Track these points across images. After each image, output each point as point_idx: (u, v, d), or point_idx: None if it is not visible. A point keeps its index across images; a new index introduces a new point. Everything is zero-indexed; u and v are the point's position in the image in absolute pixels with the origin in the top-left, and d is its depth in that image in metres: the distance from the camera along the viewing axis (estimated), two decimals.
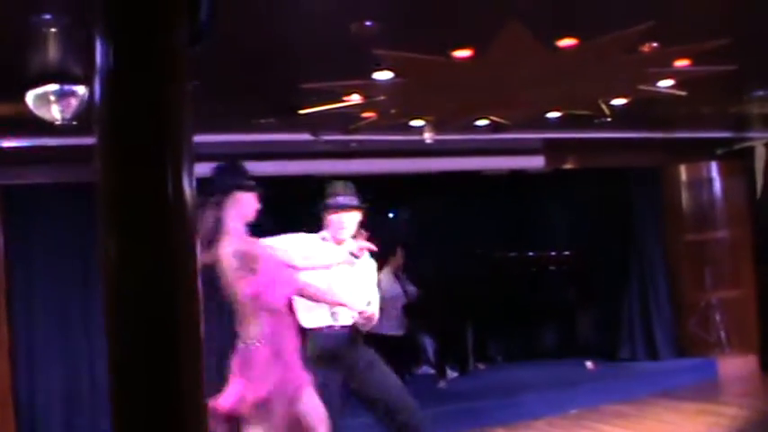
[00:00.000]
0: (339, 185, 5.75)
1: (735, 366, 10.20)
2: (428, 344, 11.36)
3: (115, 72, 1.99)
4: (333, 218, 5.63)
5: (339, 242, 5.66)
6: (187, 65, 2.10)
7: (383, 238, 11.60)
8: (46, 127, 4.98)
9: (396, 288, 11.05)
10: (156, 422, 1.96)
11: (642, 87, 6.72)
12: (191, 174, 2.03)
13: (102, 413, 7.99)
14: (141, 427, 1.96)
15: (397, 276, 10.93)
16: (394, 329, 11.14)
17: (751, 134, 10.28)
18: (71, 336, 8.15)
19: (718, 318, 10.51)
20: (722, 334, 10.50)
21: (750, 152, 10.61)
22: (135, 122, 1.98)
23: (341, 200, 5.65)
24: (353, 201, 5.69)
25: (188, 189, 2.00)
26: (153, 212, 1.95)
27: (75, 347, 8.17)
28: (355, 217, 5.68)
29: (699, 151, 10.67)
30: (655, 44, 5.45)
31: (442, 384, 10.16)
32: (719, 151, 10.72)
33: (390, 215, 13.42)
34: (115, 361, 1.99)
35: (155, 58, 2.01)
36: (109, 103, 2.04)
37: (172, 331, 1.93)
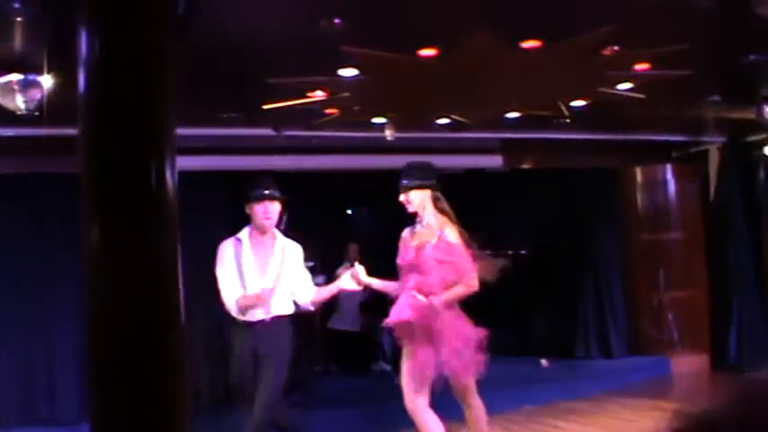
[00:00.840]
0: (262, 178, 6.24)
1: (687, 364, 10.38)
2: (385, 341, 11.40)
3: (101, 64, 2.00)
4: (257, 208, 6.06)
5: (264, 232, 6.12)
6: (172, 58, 2.13)
7: (339, 234, 11.65)
8: (6, 117, 4.95)
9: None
10: (137, 414, 1.97)
11: (602, 90, 6.83)
12: (173, 165, 2.05)
13: (60, 402, 7.95)
14: (123, 419, 1.96)
15: None
16: (350, 326, 11.18)
17: (705, 138, 10.47)
18: (27, 326, 8.06)
19: (670, 317, 10.69)
20: (675, 333, 10.67)
21: (704, 156, 10.81)
22: (120, 114, 1.99)
23: (265, 191, 6.08)
24: (275, 192, 6.14)
25: (170, 180, 2.02)
26: (136, 203, 1.96)
27: (32, 337, 8.08)
28: (277, 207, 6.13)
29: (654, 154, 10.84)
30: (616, 48, 5.54)
31: (398, 381, 10.19)
32: (675, 154, 10.91)
33: (349, 212, 13.45)
34: (95, 348, 1.99)
35: (141, 51, 2.02)
36: (93, 95, 2.05)
37: (153, 318, 1.95)
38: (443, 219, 5.95)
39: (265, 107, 6.76)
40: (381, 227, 12.25)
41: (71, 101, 2.34)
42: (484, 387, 7.46)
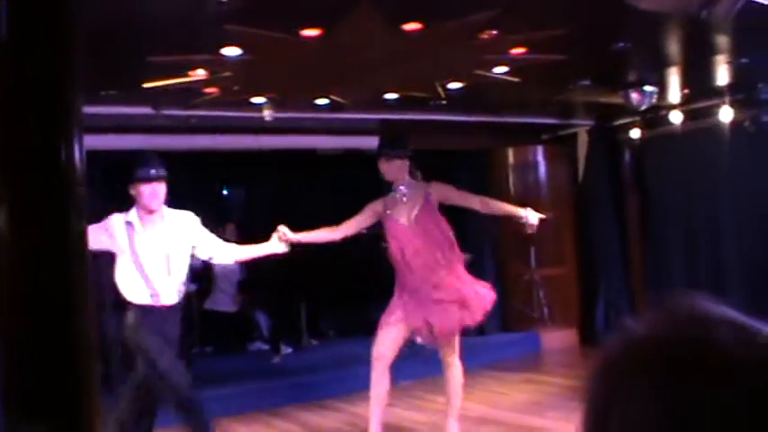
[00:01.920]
0: (148, 158, 5.94)
1: (556, 339, 10.77)
2: (262, 320, 11.42)
3: (10, 36, 1.96)
4: (145, 188, 5.73)
5: (152, 212, 5.80)
6: (81, 30, 2.11)
7: (215, 215, 11.58)
8: None
9: (230, 264, 11.03)
10: (48, 392, 1.97)
11: (478, 72, 6.99)
12: (81, 143, 2.04)
13: None
14: (30, 388, 1.96)
15: None
16: (228, 306, 11.15)
17: (575, 121, 10.84)
18: None
19: (541, 294, 11.04)
20: (545, 309, 11.03)
21: (573, 138, 11.19)
22: (28, 88, 1.97)
23: (153, 171, 5.78)
24: (162, 172, 5.84)
25: (79, 158, 2.01)
26: (44, 179, 1.95)
27: None
28: (164, 188, 5.84)
29: (526, 136, 11.14)
30: (494, 32, 5.70)
31: (276, 360, 10.24)
32: (545, 137, 11.24)
33: (225, 192, 13.38)
34: (5, 327, 1.98)
35: (51, 25, 2.00)
36: (1, 68, 2.01)
37: (63, 296, 1.95)
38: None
39: (145, 85, 6.64)
40: (256, 207, 12.25)
41: None
42: (362, 363, 7.60)
